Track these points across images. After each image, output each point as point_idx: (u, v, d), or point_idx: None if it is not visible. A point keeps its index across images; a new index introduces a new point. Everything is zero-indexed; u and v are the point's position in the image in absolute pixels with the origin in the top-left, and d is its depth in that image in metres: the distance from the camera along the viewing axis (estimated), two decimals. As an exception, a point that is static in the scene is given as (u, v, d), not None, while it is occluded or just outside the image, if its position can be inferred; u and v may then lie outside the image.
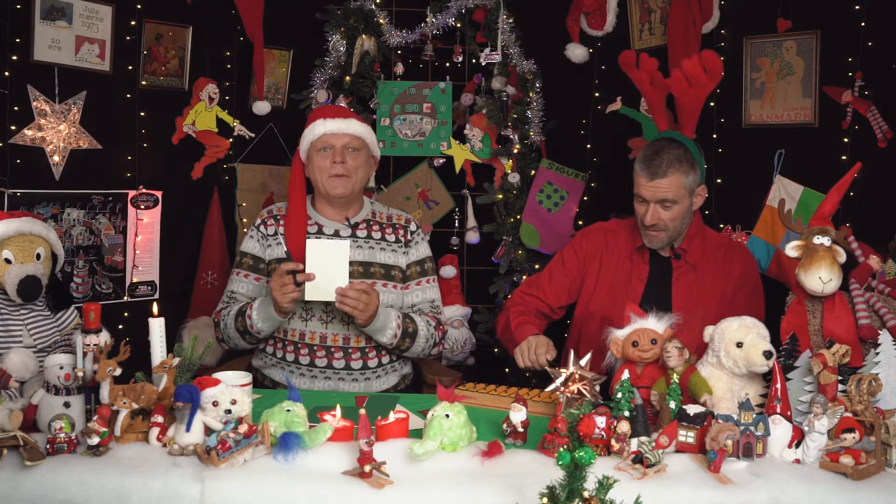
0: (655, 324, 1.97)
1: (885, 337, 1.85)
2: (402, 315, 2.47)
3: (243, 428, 1.65)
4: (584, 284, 2.59)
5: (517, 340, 2.37)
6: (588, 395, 1.83)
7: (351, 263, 2.48)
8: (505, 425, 1.83)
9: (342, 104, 3.60)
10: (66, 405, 1.77)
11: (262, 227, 2.59)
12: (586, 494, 1.36)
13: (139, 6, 3.29)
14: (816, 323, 2.03)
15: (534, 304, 2.62)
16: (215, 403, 1.69)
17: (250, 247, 2.59)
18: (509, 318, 2.53)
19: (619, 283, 2.52)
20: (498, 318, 2.70)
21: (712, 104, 3.30)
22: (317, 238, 2.48)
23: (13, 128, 2.96)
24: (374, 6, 3.65)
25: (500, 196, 3.69)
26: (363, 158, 2.55)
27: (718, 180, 3.31)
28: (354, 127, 2.52)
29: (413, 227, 2.65)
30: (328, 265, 2.30)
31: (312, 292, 2.31)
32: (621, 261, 2.54)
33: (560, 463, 1.36)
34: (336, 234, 2.54)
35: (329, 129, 2.49)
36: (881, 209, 2.77)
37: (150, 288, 3.42)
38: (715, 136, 3.31)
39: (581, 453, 1.34)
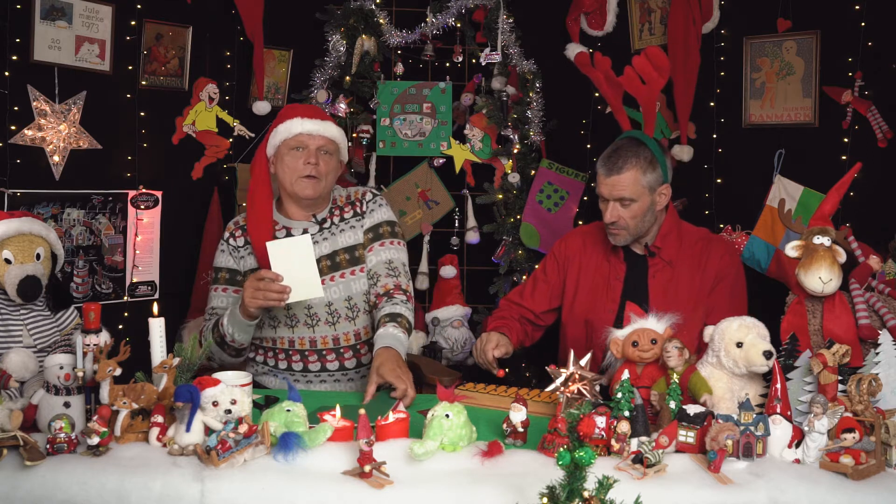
0: (655, 324, 1.97)
1: (885, 337, 1.85)
2: (396, 323, 2.34)
3: (243, 428, 1.65)
4: (565, 289, 2.61)
5: None
6: (588, 395, 1.83)
7: (319, 260, 2.45)
8: (505, 425, 1.83)
9: (342, 105, 3.60)
10: (66, 405, 1.77)
11: (231, 240, 2.55)
12: (586, 494, 1.36)
13: (139, 6, 3.29)
14: (816, 323, 2.03)
15: (518, 311, 2.66)
16: (215, 403, 1.69)
17: (223, 261, 2.54)
18: (487, 325, 2.60)
19: (598, 285, 2.54)
20: (483, 323, 2.74)
21: (712, 104, 3.30)
22: (276, 239, 2.39)
23: (13, 128, 2.95)
24: (374, 6, 3.65)
25: (500, 196, 3.68)
26: (334, 163, 2.50)
27: (718, 180, 3.31)
28: (331, 130, 2.46)
29: (369, 196, 2.57)
30: (295, 264, 2.25)
31: (296, 293, 2.25)
32: (599, 262, 2.57)
33: (560, 463, 1.36)
34: (305, 234, 2.47)
35: (306, 128, 2.42)
36: (881, 209, 2.77)
37: (150, 288, 3.42)
38: (715, 136, 3.31)
39: (581, 453, 1.34)
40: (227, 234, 2.58)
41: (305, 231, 2.49)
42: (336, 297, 2.46)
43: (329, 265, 2.47)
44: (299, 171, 2.43)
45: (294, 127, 2.43)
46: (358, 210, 2.55)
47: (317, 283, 2.28)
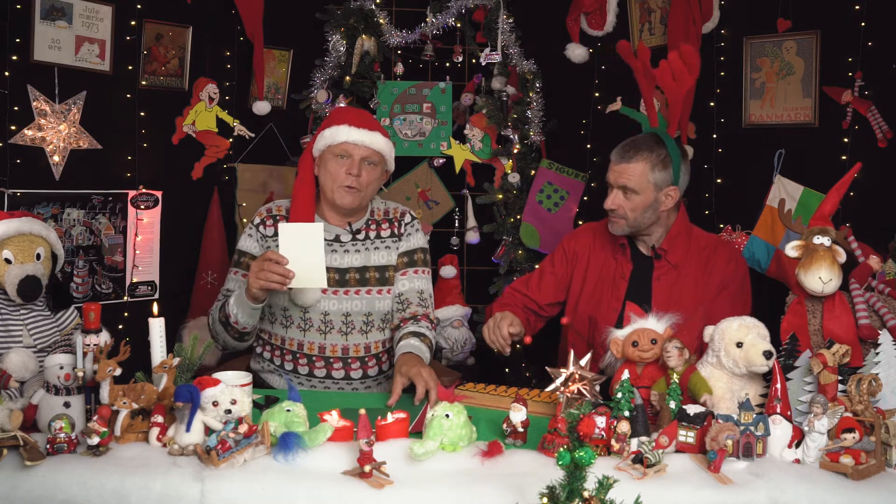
0: (655, 324, 1.97)
1: (885, 337, 1.85)
2: (421, 339, 2.37)
3: (243, 428, 1.65)
4: (571, 284, 2.61)
5: None
6: (588, 395, 1.83)
7: (347, 270, 2.47)
8: (505, 425, 1.83)
9: (342, 104, 3.60)
10: (66, 405, 1.77)
11: (261, 227, 2.51)
12: (586, 494, 1.36)
13: (139, 6, 3.29)
14: (816, 323, 2.03)
15: (522, 300, 2.65)
16: (215, 403, 1.69)
17: (249, 245, 2.51)
18: (493, 310, 2.59)
19: (604, 282, 2.54)
20: (486, 310, 2.73)
21: (712, 104, 3.30)
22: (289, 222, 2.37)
23: (13, 128, 2.96)
24: (374, 6, 3.65)
25: (500, 196, 3.68)
26: (378, 173, 2.47)
27: (718, 180, 3.31)
28: (377, 141, 2.42)
29: (408, 218, 2.58)
30: (303, 249, 2.21)
31: (298, 280, 2.21)
32: (607, 259, 2.56)
33: (560, 463, 1.36)
34: (336, 239, 2.49)
35: (353, 138, 2.39)
36: (881, 209, 2.77)
37: (150, 288, 3.42)
38: (715, 136, 3.31)
39: (581, 453, 1.34)
40: (257, 220, 2.53)
41: (337, 238, 2.49)
42: (356, 310, 2.46)
43: (357, 278, 2.47)
44: (340, 180, 2.41)
45: (340, 134, 2.40)
46: (395, 231, 2.55)
47: (322, 274, 2.24)
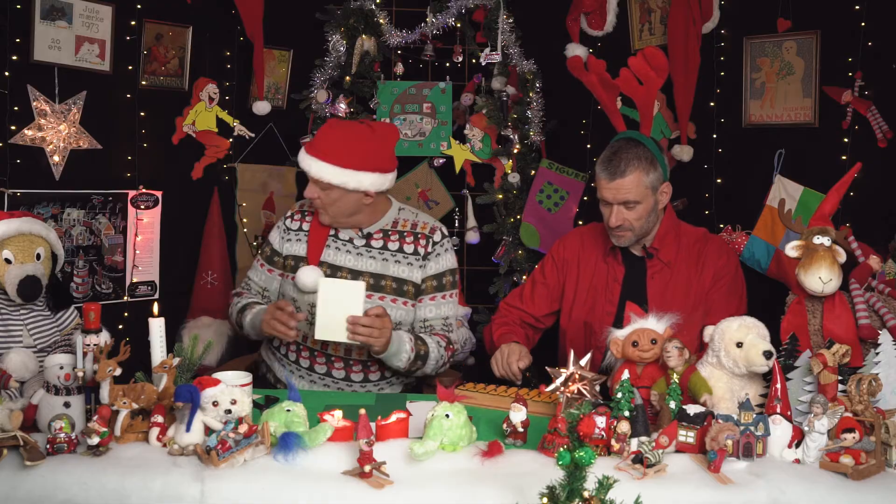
0: (655, 324, 1.97)
1: (885, 337, 1.85)
2: (413, 336, 2.38)
3: (243, 428, 1.65)
4: (564, 292, 2.60)
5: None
6: (588, 395, 1.83)
7: (361, 273, 2.46)
8: (505, 425, 1.83)
9: (342, 105, 3.60)
10: (66, 405, 1.77)
11: (287, 220, 2.58)
12: (586, 494, 1.36)
13: (139, 6, 3.29)
14: (816, 323, 2.04)
15: (518, 315, 2.64)
16: (215, 403, 1.69)
17: (273, 237, 2.60)
18: (493, 331, 2.58)
19: (596, 287, 2.53)
20: (485, 330, 2.72)
21: (712, 104, 3.30)
22: (331, 277, 2.39)
23: (13, 128, 2.95)
24: (374, 6, 3.65)
25: (500, 196, 3.68)
26: (336, 195, 2.38)
27: (718, 180, 3.31)
28: (322, 172, 2.33)
29: (437, 237, 2.51)
30: (339, 305, 2.19)
31: (323, 332, 2.21)
32: (598, 263, 2.55)
33: (560, 463, 1.36)
34: (350, 242, 2.49)
35: (304, 163, 2.40)
36: (881, 209, 2.77)
37: (150, 288, 3.42)
38: (715, 136, 3.31)
39: (581, 453, 1.34)
40: (288, 213, 2.61)
41: (351, 240, 2.50)
42: None
43: (372, 284, 2.45)
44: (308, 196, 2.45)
45: (300, 159, 2.42)
46: (421, 249, 2.49)
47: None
